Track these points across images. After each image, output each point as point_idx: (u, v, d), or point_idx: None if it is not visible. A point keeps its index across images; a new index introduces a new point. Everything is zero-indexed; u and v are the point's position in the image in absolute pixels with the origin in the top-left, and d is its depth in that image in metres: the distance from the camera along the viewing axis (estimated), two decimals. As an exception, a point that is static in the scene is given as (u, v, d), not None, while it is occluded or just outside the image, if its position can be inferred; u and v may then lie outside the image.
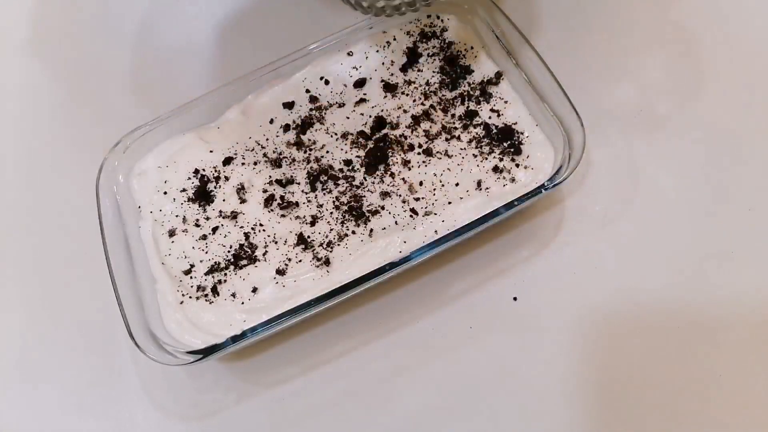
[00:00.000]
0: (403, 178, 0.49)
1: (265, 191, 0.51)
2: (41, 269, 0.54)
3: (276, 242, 0.48)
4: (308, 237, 0.48)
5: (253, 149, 0.52)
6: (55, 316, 0.52)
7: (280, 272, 0.47)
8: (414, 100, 0.53)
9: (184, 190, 0.51)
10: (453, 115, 0.52)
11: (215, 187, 0.51)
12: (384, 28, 0.55)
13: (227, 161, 0.52)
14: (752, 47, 0.56)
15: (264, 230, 0.49)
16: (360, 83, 0.54)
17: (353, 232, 0.48)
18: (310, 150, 0.52)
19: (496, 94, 0.52)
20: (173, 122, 0.52)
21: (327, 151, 0.52)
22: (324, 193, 0.50)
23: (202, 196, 0.51)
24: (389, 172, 0.50)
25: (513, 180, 0.48)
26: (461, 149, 0.50)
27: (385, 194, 0.49)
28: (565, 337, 0.47)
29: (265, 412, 0.47)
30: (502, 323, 0.48)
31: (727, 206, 0.50)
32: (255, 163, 0.52)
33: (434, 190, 0.49)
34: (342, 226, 0.48)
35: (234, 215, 0.50)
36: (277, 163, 0.52)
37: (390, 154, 0.51)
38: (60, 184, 0.57)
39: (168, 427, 0.47)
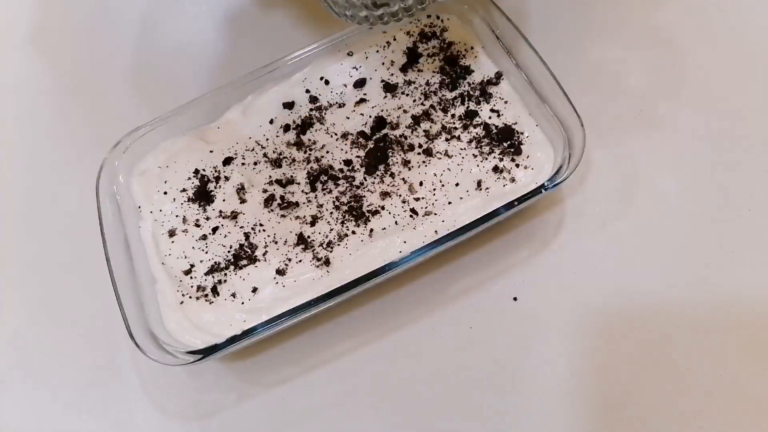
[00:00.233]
0: (403, 178, 0.49)
1: (265, 191, 0.51)
2: (41, 269, 0.54)
3: (276, 242, 0.48)
4: (308, 237, 0.48)
5: (253, 149, 0.52)
6: (55, 316, 0.52)
7: (280, 272, 0.47)
8: (414, 100, 0.53)
9: (184, 190, 0.51)
10: (453, 115, 0.52)
11: (215, 187, 0.51)
12: (384, 28, 0.55)
13: (227, 161, 0.52)
14: (752, 47, 0.56)
15: (264, 230, 0.49)
16: (360, 83, 0.54)
17: (353, 232, 0.48)
18: (310, 150, 0.52)
19: (496, 94, 0.52)
20: (173, 122, 0.52)
21: (327, 151, 0.52)
22: (324, 193, 0.50)
23: (202, 196, 0.51)
24: (389, 172, 0.50)
25: (513, 180, 0.48)
26: (461, 149, 0.50)
27: (385, 194, 0.49)
28: (565, 337, 0.47)
29: (265, 412, 0.47)
30: (502, 323, 0.48)
31: (727, 206, 0.50)
32: (255, 163, 0.52)
33: (434, 190, 0.49)
34: (342, 226, 0.48)
35: (234, 215, 0.50)
36: (277, 163, 0.52)
37: (390, 154, 0.51)
38: (60, 184, 0.57)
39: (168, 427, 0.47)
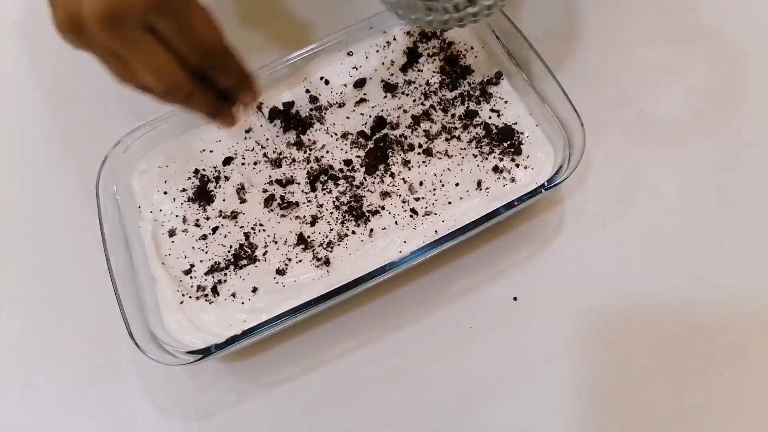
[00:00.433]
0: (403, 178, 0.49)
1: (265, 191, 0.51)
2: (41, 269, 0.54)
3: (276, 242, 0.48)
4: (308, 237, 0.48)
5: (253, 149, 0.52)
6: (55, 316, 0.52)
7: (280, 272, 0.47)
8: (414, 100, 0.53)
9: (184, 190, 0.51)
10: (453, 115, 0.52)
11: (215, 187, 0.51)
12: (384, 28, 0.55)
13: (227, 161, 0.52)
14: (751, 46, 0.56)
15: (264, 230, 0.49)
16: (360, 83, 0.54)
17: (353, 232, 0.48)
18: (310, 150, 0.52)
19: (496, 94, 0.52)
20: (173, 122, 0.52)
21: (327, 151, 0.52)
22: (324, 193, 0.50)
23: (202, 196, 0.51)
24: (389, 172, 0.50)
25: (513, 180, 0.48)
26: (461, 149, 0.50)
27: (385, 194, 0.49)
28: (565, 336, 0.47)
29: (265, 412, 0.47)
30: (502, 323, 0.48)
31: (726, 207, 0.50)
32: (255, 163, 0.52)
33: (434, 190, 0.49)
34: (342, 226, 0.48)
35: (234, 215, 0.50)
36: (277, 163, 0.52)
37: (390, 154, 0.51)
38: (60, 184, 0.57)
39: (168, 427, 0.47)
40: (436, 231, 0.47)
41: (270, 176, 0.51)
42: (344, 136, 0.52)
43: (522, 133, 0.50)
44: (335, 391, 0.47)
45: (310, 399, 0.47)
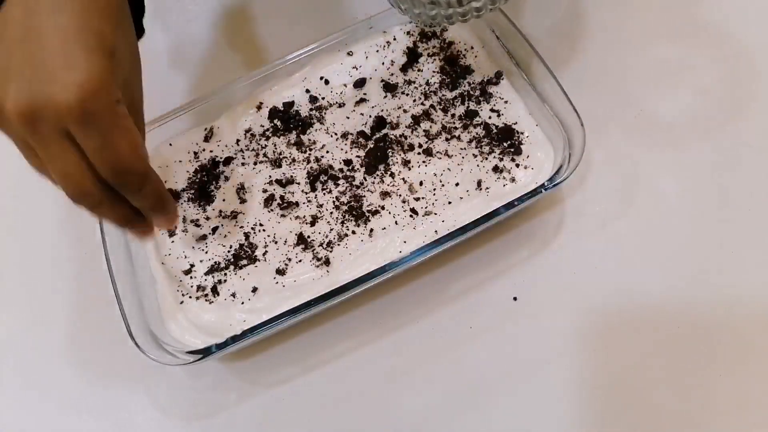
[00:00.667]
0: (403, 178, 0.49)
1: (265, 191, 0.51)
2: (41, 269, 0.54)
3: (276, 242, 0.48)
4: (308, 237, 0.48)
5: (253, 149, 0.52)
6: (55, 316, 0.52)
7: (280, 272, 0.47)
8: (414, 100, 0.53)
9: (184, 190, 0.51)
10: (453, 115, 0.52)
11: (215, 187, 0.51)
12: (384, 28, 0.55)
13: (227, 161, 0.52)
14: (753, 45, 0.56)
15: (264, 230, 0.49)
16: (360, 83, 0.54)
17: (353, 232, 0.48)
18: (310, 150, 0.52)
19: (496, 94, 0.52)
20: (173, 122, 0.52)
21: (327, 151, 0.52)
22: (324, 193, 0.50)
23: (202, 196, 0.51)
24: (389, 172, 0.50)
25: (513, 180, 0.48)
26: (461, 149, 0.50)
27: (385, 194, 0.49)
28: (565, 336, 0.47)
29: (265, 412, 0.47)
30: (502, 323, 0.48)
31: (726, 207, 0.50)
32: (255, 163, 0.52)
33: (434, 190, 0.49)
34: (342, 226, 0.48)
35: (234, 215, 0.50)
36: (277, 163, 0.52)
37: (390, 154, 0.51)
38: (60, 184, 0.57)
39: (168, 427, 0.47)
40: (436, 231, 0.47)
41: (270, 176, 0.51)
42: (344, 136, 0.52)
43: (522, 133, 0.50)
44: (335, 391, 0.47)
45: (310, 399, 0.47)
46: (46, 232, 0.55)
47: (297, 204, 0.50)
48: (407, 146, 0.51)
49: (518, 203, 0.45)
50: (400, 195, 0.49)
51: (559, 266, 0.49)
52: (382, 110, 0.53)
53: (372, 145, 0.51)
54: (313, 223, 0.49)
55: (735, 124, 0.53)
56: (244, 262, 0.48)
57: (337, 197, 0.49)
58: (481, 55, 0.54)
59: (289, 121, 0.53)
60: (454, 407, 0.46)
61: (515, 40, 0.51)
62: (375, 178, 0.50)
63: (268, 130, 0.53)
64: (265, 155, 0.52)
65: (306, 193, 0.50)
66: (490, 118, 0.51)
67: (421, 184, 0.49)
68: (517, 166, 0.49)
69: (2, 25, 0.34)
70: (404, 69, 0.54)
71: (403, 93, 0.53)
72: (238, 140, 0.53)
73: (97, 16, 0.34)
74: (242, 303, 0.46)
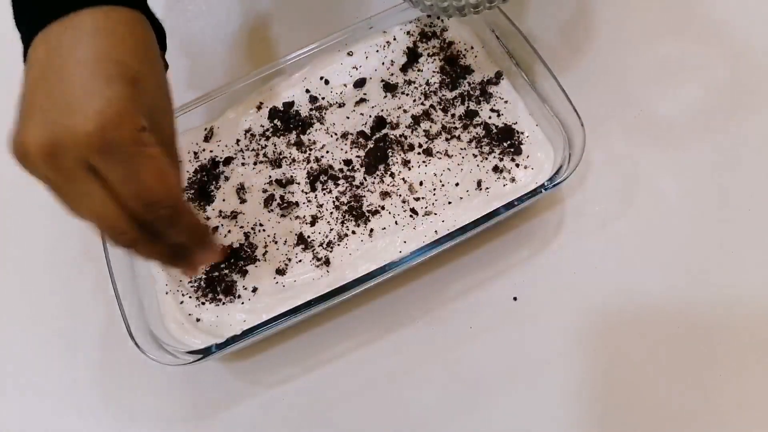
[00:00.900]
0: (403, 178, 0.49)
1: (265, 191, 0.51)
2: (41, 269, 0.54)
3: (276, 242, 0.48)
4: (308, 237, 0.48)
5: (253, 149, 0.52)
6: (55, 316, 0.52)
7: (280, 272, 0.47)
8: (414, 100, 0.53)
9: (184, 190, 0.51)
10: (453, 115, 0.52)
11: (215, 187, 0.51)
12: (384, 28, 0.55)
13: (227, 161, 0.52)
14: (753, 45, 0.56)
15: (264, 230, 0.49)
16: (360, 83, 0.54)
17: (353, 232, 0.48)
18: (310, 150, 0.52)
19: (496, 94, 0.52)
20: (173, 122, 0.52)
21: (327, 151, 0.52)
22: (324, 193, 0.50)
23: (202, 196, 0.51)
24: (389, 172, 0.50)
25: (513, 180, 0.48)
26: (461, 149, 0.50)
27: (385, 194, 0.49)
28: (565, 336, 0.47)
29: (265, 412, 0.47)
30: (502, 323, 0.48)
31: (726, 207, 0.50)
32: (255, 163, 0.52)
33: (434, 190, 0.49)
34: (342, 226, 0.48)
35: (234, 215, 0.50)
36: (277, 163, 0.52)
37: (390, 154, 0.51)
38: (60, 184, 0.57)
39: (168, 427, 0.47)
40: (436, 231, 0.47)
41: (270, 176, 0.51)
42: (344, 136, 0.52)
43: (522, 133, 0.50)
44: (335, 391, 0.47)
45: (310, 399, 0.47)
46: (46, 232, 0.55)
47: (297, 204, 0.50)
48: (407, 146, 0.51)
49: (518, 203, 0.45)
50: (400, 195, 0.49)
51: (559, 266, 0.49)
52: (382, 110, 0.53)
53: (372, 145, 0.51)
54: (313, 223, 0.49)
55: (735, 124, 0.53)
56: (244, 262, 0.48)
57: (337, 197, 0.49)
58: (481, 55, 0.54)
59: (289, 121, 0.53)
60: (454, 407, 0.46)
61: (515, 40, 0.51)
62: (375, 178, 0.50)
63: (268, 130, 0.53)
64: (265, 155, 0.52)
65: (306, 193, 0.50)
66: (490, 118, 0.51)
67: (421, 184, 0.49)
68: (517, 166, 0.49)
69: (27, 69, 0.34)
70: (404, 69, 0.54)
71: (403, 93, 0.53)
72: (238, 140, 0.53)
73: (118, 47, 0.33)
74: (242, 303, 0.46)
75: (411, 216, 0.48)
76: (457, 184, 0.49)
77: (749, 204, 0.50)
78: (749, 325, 0.46)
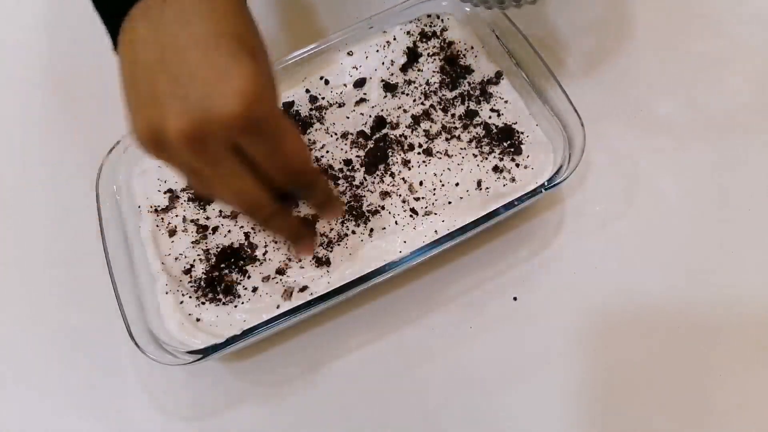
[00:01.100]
0: (403, 178, 0.49)
1: (265, 191, 0.50)
2: (41, 269, 0.54)
3: (276, 242, 0.48)
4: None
5: (253, 149, 0.52)
6: (55, 316, 0.52)
7: (280, 272, 0.47)
8: (414, 100, 0.53)
9: (184, 190, 0.51)
10: (453, 115, 0.52)
11: (215, 187, 0.51)
12: (384, 28, 0.55)
13: (227, 161, 0.52)
14: (750, 46, 0.56)
15: (264, 230, 0.49)
16: (360, 83, 0.54)
17: (353, 232, 0.48)
18: (310, 150, 0.52)
19: (496, 94, 0.52)
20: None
21: (327, 151, 0.52)
22: (324, 193, 0.50)
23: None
24: (389, 172, 0.50)
25: (513, 180, 0.48)
26: (461, 149, 0.50)
27: (385, 194, 0.49)
28: (565, 336, 0.47)
29: (265, 412, 0.47)
30: (502, 323, 0.47)
31: (726, 207, 0.50)
32: (255, 163, 0.52)
33: (434, 190, 0.49)
34: (342, 225, 0.48)
35: (234, 215, 0.50)
36: (277, 163, 0.52)
37: (390, 153, 0.50)
38: (60, 183, 0.57)
39: (168, 427, 0.47)
40: (436, 231, 0.47)
41: (270, 176, 0.51)
42: (344, 135, 0.52)
43: (522, 133, 0.50)
44: (335, 391, 0.47)
45: (310, 399, 0.47)
46: (46, 232, 0.55)
47: (297, 204, 0.50)
48: (407, 146, 0.51)
49: (518, 203, 0.45)
50: (400, 195, 0.49)
51: (559, 266, 0.49)
52: (382, 110, 0.53)
53: (372, 145, 0.51)
54: (313, 223, 0.49)
55: (735, 124, 0.53)
56: (244, 262, 0.48)
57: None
58: (481, 55, 0.54)
59: (289, 121, 0.53)
60: (454, 407, 0.46)
61: (515, 40, 0.51)
62: (375, 178, 0.50)
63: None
64: (265, 155, 0.52)
65: (306, 193, 0.50)
66: (490, 118, 0.51)
67: (421, 184, 0.49)
68: (517, 166, 0.49)
69: (129, 49, 0.32)
70: (404, 69, 0.54)
71: (403, 93, 0.53)
72: (238, 140, 0.53)
73: (228, 19, 0.32)
74: (242, 303, 0.46)
75: (411, 216, 0.48)
76: (457, 184, 0.49)
77: (749, 204, 0.50)
78: (749, 325, 0.46)
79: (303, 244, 0.40)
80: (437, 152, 0.50)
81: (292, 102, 0.54)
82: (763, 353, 0.45)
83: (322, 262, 0.47)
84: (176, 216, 0.50)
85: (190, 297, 0.47)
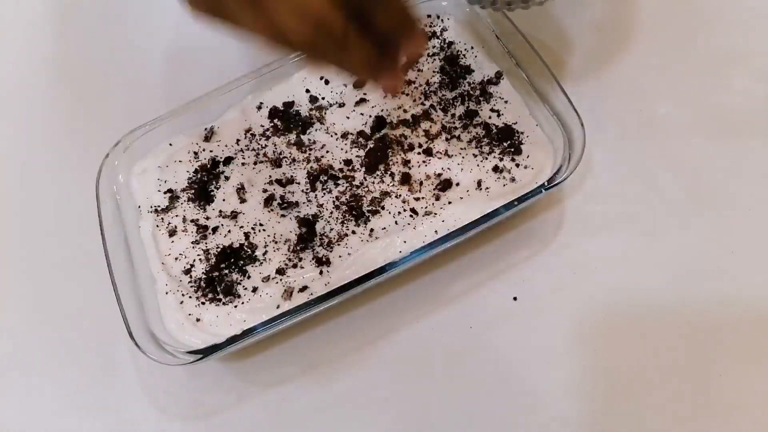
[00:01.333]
0: (404, 178, 0.49)
1: (265, 191, 0.51)
2: (41, 269, 0.54)
3: (276, 242, 0.48)
4: (308, 237, 0.48)
5: (253, 149, 0.52)
6: (55, 317, 0.52)
7: (280, 272, 0.47)
8: (414, 100, 0.53)
9: (184, 190, 0.51)
10: (453, 115, 0.52)
11: (215, 187, 0.51)
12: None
13: (227, 161, 0.52)
14: (751, 46, 0.56)
15: (264, 230, 0.49)
16: (360, 83, 0.54)
17: (353, 232, 0.48)
18: (310, 150, 0.52)
19: (496, 94, 0.52)
20: (173, 122, 0.52)
21: (327, 151, 0.52)
22: (324, 193, 0.50)
23: (202, 196, 0.51)
24: (389, 172, 0.50)
25: (513, 180, 0.48)
26: (461, 149, 0.50)
27: (385, 194, 0.49)
28: (565, 336, 0.47)
29: (265, 412, 0.47)
30: (502, 323, 0.47)
31: (726, 206, 0.50)
32: (255, 163, 0.52)
33: (434, 190, 0.49)
34: (342, 226, 0.48)
35: (234, 215, 0.50)
36: (277, 163, 0.52)
37: (390, 153, 0.51)
38: (60, 183, 0.57)
39: (168, 427, 0.47)
40: (436, 231, 0.47)
41: (270, 176, 0.51)
42: (344, 136, 0.52)
43: (522, 133, 0.50)
44: (335, 391, 0.47)
45: (310, 399, 0.47)
46: (46, 232, 0.55)
47: (297, 204, 0.50)
48: (407, 146, 0.51)
49: (518, 203, 0.45)
50: (400, 195, 0.49)
51: (559, 266, 0.49)
52: (382, 110, 0.53)
53: (372, 145, 0.51)
54: (313, 223, 0.49)
55: (735, 124, 0.53)
56: (244, 262, 0.48)
57: (337, 197, 0.49)
58: (481, 55, 0.54)
59: (289, 121, 0.53)
60: (453, 407, 0.46)
61: (515, 40, 0.51)
62: (375, 178, 0.50)
63: (268, 130, 0.53)
64: (265, 155, 0.52)
65: (306, 193, 0.50)
66: (490, 118, 0.51)
67: (421, 184, 0.49)
68: (517, 166, 0.49)
69: None
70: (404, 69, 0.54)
71: (403, 93, 0.53)
72: (238, 140, 0.53)
73: None
74: (242, 303, 0.46)
75: (411, 216, 0.48)
76: (457, 184, 0.49)
77: (749, 204, 0.50)
78: (749, 325, 0.46)
79: (386, 76, 0.36)
80: (437, 152, 0.50)
81: (292, 102, 0.54)
82: (763, 353, 0.45)
83: (322, 262, 0.47)
84: (176, 216, 0.50)
85: (190, 297, 0.47)
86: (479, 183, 0.48)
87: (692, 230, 0.49)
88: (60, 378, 0.50)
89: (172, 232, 0.50)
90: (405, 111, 0.52)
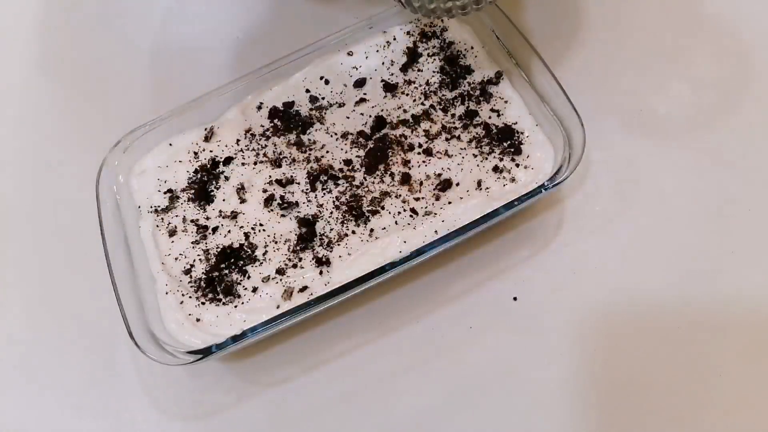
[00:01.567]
0: (403, 178, 0.49)
1: (265, 191, 0.51)
2: (41, 269, 0.54)
3: (276, 242, 0.48)
4: (308, 237, 0.48)
5: (253, 149, 0.52)
6: (55, 316, 0.52)
7: (280, 272, 0.47)
8: (414, 100, 0.53)
9: (184, 190, 0.51)
10: (453, 115, 0.52)
11: (215, 187, 0.51)
12: (384, 28, 0.55)
13: (227, 161, 0.52)
14: (755, 42, 0.56)
15: (264, 230, 0.49)
16: (360, 83, 0.54)
17: (353, 232, 0.48)
18: (310, 150, 0.52)
19: (496, 94, 0.52)
20: (173, 122, 0.52)
21: (327, 151, 0.52)
22: (324, 193, 0.50)
23: (202, 196, 0.51)
24: (389, 172, 0.50)
25: (513, 180, 0.48)
26: (461, 149, 0.50)
27: (385, 194, 0.49)
28: (565, 337, 0.47)
29: (265, 412, 0.47)
30: (502, 323, 0.48)
31: (727, 206, 0.50)
32: (255, 163, 0.52)
33: (434, 190, 0.49)
34: (342, 226, 0.48)
35: (234, 215, 0.50)
36: (277, 163, 0.52)
37: (390, 153, 0.51)
38: (60, 183, 0.57)
39: (168, 427, 0.47)
40: (436, 231, 0.47)
41: (270, 176, 0.51)
42: (344, 136, 0.52)
43: (522, 133, 0.50)
44: (335, 391, 0.47)
45: (311, 399, 0.47)
46: (46, 232, 0.55)
47: (297, 204, 0.50)
48: (407, 146, 0.51)
49: (518, 203, 0.45)
50: (400, 195, 0.49)
51: (559, 266, 0.49)
52: (382, 110, 0.53)
53: (372, 145, 0.51)
54: (313, 223, 0.49)
55: (736, 124, 0.53)
56: (244, 262, 0.48)
57: (337, 197, 0.49)
58: (481, 55, 0.54)
59: (289, 121, 0.53)
60: (453, 407, 0.46)
61: (515, 40, 0.51)
62: (375, 178, 0.50)
63: (268, 130, 0.53)
64: (265, 155, 0.52)
65: (306, 193, 0.50)
66: (490, 117, 0.51)
67: (421, 184, 0.49)
68: (517, 166, 0.49)
69: None
70: (404, 69, 0.54)
71: (403, 93, 0.53)
72: (238, 140, 0.53)
73: None
74: (242, 303, 0.46)
75: (411, 216, 0.48)
76: (457, 184, 0.49)
77: (749, 204, 0.50)
78: (749, 325, 0.46)
79: None
80: (437, 152, 0.50)
81: (292, 102, 0.54)
82: (763, 353, 0.45)
83: (322, 262, 0.47)
84: (176, 216, 0.50)
85: (190, 297, 0.47)
86: (479, 183, 0.48)
87: (692, 230, 0.49)
88: (60, 378, 0.50)
89: (172, 232, 0.50)
90: (405, 111, 0.52)
